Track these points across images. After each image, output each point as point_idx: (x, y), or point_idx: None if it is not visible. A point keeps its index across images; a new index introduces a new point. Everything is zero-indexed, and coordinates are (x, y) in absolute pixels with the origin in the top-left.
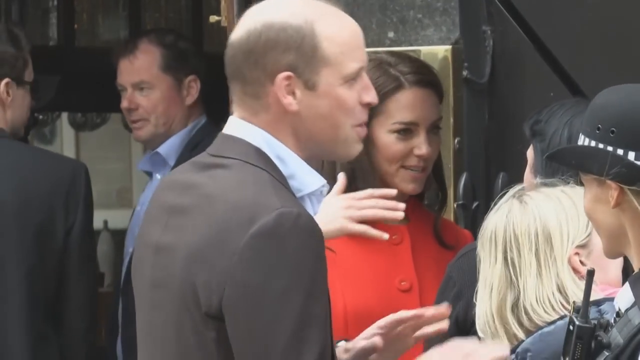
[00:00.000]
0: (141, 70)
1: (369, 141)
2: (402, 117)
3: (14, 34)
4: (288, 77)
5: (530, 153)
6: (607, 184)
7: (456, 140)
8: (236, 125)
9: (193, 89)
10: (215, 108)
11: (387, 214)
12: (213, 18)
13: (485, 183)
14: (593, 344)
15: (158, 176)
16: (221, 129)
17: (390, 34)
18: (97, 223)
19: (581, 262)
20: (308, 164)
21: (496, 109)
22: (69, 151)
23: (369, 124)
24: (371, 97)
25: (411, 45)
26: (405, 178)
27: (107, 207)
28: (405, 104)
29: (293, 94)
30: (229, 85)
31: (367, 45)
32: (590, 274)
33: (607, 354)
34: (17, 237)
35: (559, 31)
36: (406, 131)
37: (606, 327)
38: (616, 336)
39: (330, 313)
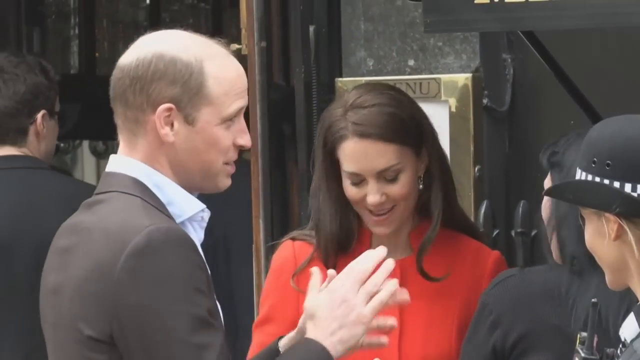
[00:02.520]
0: None
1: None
2: (347, 166)
3: (43, 65)
4: (169, 109)
5: (547, 183)
6: (606, 217)
7: (476, 169)
8: (116, 162)
9: None
10: None
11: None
12: (234, 46)
13: (505, 211)
14: None
15: None
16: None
17: (411, 62)
18: None
19: None
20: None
21: (516, 137)
22: (90, 179)
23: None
24: (245, 140)
25: (431, 73)
26: (369, 221)
27: None
28: (348, 154)
29: (171, 125)
30: (112, 106)
31: (388, 74)
32: (595, 305)
33: None
34: None
35: (579, 59)
36: (356, 181)
37: (612, 358)
38: None
39: (216, 313)
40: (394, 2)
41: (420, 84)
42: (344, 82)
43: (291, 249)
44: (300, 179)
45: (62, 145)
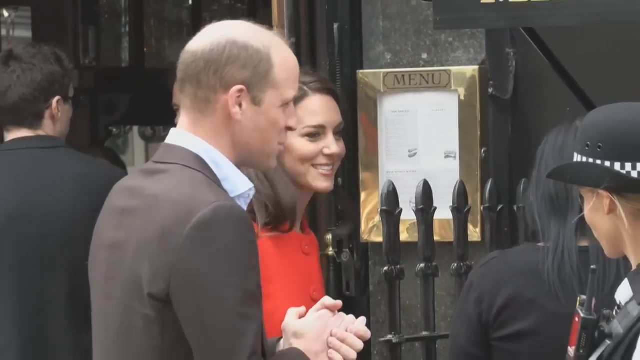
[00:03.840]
0: None
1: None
2: (310, 121)
3: (58, 55)
4: (240, 90)
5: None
6: (599, 193)
7: (483, 150)
8: (178, 136)
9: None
10: None
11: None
12: None
13: (509, 188)
14: (597, 334)
15: None
16: None
17: (424, 56)
18: None
19: None
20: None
21: (518, 123)
22: (140, 160)
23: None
24: (293, 122)
25: (442, 65)
26: (316, 177)
27: None
28: (312, 109)
29: (240, 105)
30: (180, 87)
31: (404, 66)
32: (594, 271)
33: (608, 342)
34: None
35: (575, 53)
36: (315, 134)
37: (608, 318)
38: (617, 327)
39: (261, 291)
40: (409, 2)
41: (433, 75)
42: (364, 73)
43: None
44: None
45: (114, 130)
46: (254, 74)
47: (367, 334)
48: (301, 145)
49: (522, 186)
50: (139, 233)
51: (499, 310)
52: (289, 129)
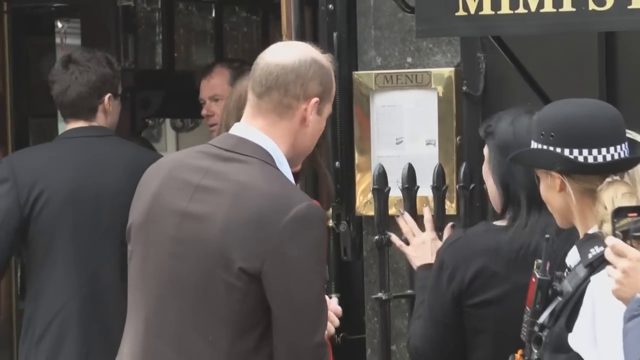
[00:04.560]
0: (215, 87)
1: None
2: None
3: (109, 59)
4: (317, 102)
5: (485, 150)
6: (552, 174)
7: (458, 138)
8: (251, 132)
9: None
10: None
11: None
12: None
13: (479, 170)
14: (550, 292)
15: None
16: None
17: (409, 59)
18: None
19: None
20: None
21: (487, 115)
22: (171, 147)
23: None
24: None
25: (424, 67)
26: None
27: None
28: (204, 87)
29: (312, 114)
30: (262, 93)
31: (392, 68)
32: (547, 239)
33: (559, 299)
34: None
35: (534, 57)
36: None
37: (560, 279)
38: (567, 286)
39: None
40: (396, 15)
41: (416, 75)
42: (359, 74)
43: None
44: (325, 149)
45: (150, 122)
46: (324, 90)
47: (340, 311)
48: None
49: (462, 169)
50: (228, 212)
51: (469, 284)
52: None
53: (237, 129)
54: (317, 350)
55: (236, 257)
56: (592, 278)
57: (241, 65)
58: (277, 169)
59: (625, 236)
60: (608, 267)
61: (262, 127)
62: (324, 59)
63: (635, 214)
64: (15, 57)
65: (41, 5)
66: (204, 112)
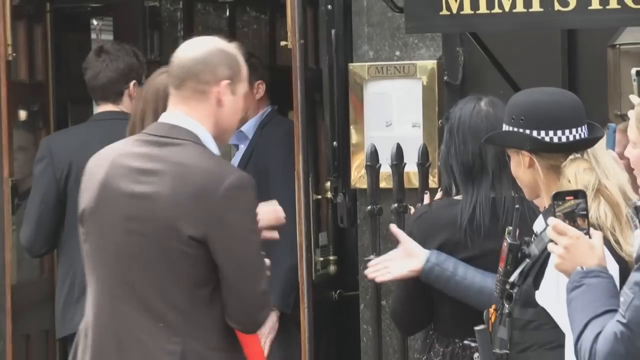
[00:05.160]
0: None
1: None
2: None
3: (135, 51)
4: (228, 84)
5: (445, 133)
6: (522, 153)
7: (439, 122)
8: (178, 118)
9: (260, 89)
10: (277, 101)
11: None
12: (283, 43)
13: None
14: (519, 255)
15: (241, 146)
16: (283, 115)
17: (397, 53)
18: None
19: None
20: None
21: None
22: None
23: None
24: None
25: (410, 60)
26: None
27: None
28: None
29: (226, 95)
30: (179, 84)
31: (382, 60)
32: (517, 209)
33: (528, 260)
34: None
35: (506, 50)
36: None
37: (528, 243)
38: (534, 249)
39: None
40: (387, 14)
41: (404, 67)
42: (354, 66)
43: None
44: (325, 130)
45: None
46: (234, 72)
47: (281, 213)
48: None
49: (420, 149)
50: (172, 190)
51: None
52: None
53: (166, 117)
54: (263, 297)
55: (184, 227)
56: None
57: (249, 57)
58: (206, 147)
59: (567, 217)
60: (550, 244)
61: (186, 113)
62: (230, 47)
63: (571, 197)
64: (56, 50)
65: (79, 5)
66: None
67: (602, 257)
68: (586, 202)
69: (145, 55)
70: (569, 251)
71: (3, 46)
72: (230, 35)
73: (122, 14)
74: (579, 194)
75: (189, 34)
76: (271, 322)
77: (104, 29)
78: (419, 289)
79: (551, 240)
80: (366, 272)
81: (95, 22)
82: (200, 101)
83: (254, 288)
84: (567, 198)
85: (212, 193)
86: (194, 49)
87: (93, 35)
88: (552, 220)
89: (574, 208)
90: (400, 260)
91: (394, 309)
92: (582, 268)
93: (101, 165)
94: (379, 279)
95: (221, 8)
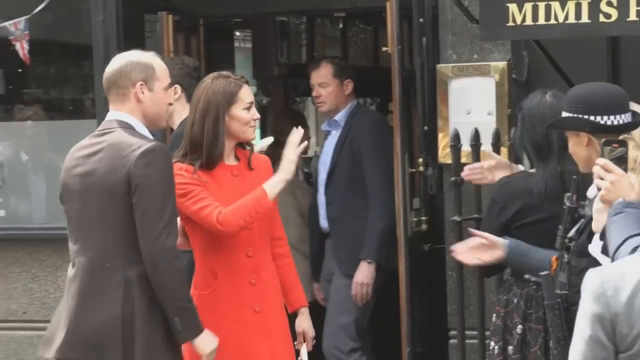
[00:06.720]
0: (322, 76)
1: (231, 117)
2: (248, 99)
3: (183, 61)
4: (141, 85)
5: (519, 121)
6: (582, 135)
7: (509, 110)
8: (114, 114)
9: (349, 86)
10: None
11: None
12: (384, 48)
13: None
14: (576, 215)
15: (335, 132)
16: (383, 106)
17: (475, 56)
18: None
19: None
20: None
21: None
22: (312, 117)
23: (231, 107)
24: (171, 99)
25: (486, 61)
26: (250, 132)
27: None
28: (247, 93)
29: (143, 93)
30: (107, 92)
31: (463, 62)
32: (574, 180)
33: (583, 220)
34: None
35: (561, 53)
36: (249, 107)
37: (583, 207)
38: (588, 211)
39: (174, 194)
40: (466, 25)
41: (480, 67)
42: (441, 66)
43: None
44: (418, 118)
45: (297, 99)
46: (147, 75)
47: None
48: (244, 116)
49: (494, 132)
50: (105, 163)
51: (515, 214)
52: (170, 104)
53: (108, 116)
54: (165, 254)
55: (118, 186)
56: None
57: (340, 61)
58: (136, 131)
59: (612, 159)
60: (596, 180)
61: (119, 109)
62: (143, 56)
63: (617, 145)
64: (206, 56)
65: (225, 19)
66: (314, 93)
67: None
68: (627, 151)
69: (275, 58)
70: (614, 185)
71: (167, 52)
72: (343, 43)
73: (259, 27)
74: (623, 143)
75: (311, 42)
76: (370, 272)
77: (244, 39)
78: (498, 229)
79: (600, 178)
80: (453, 254)
81: (237, 33)
82: (124, 101)
83: (155, 241)
84: (614, 145)
85: (130, 158)
86: (113, 63)
87: (236, 44)
88: (600, 160)
89: (619, 154)
90: (484, 248)
91: None
92: (623, 199)
93: (68, 156)
94: (468, 263)
95: (336, 21)
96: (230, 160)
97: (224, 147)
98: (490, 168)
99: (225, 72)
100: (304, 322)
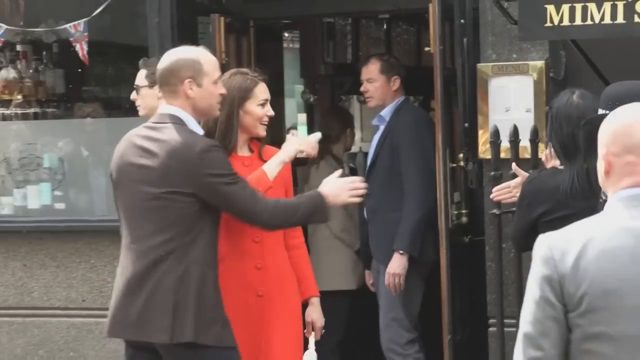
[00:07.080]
0: (371, 72)
1: (245, 111)
2: (263, 96)
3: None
4: (190, 82)
5: (549, 120)
6: None
7: (547, 108)
8: (166, 108)
9: (396, 82)
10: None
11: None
12: (427, 48)
13: None
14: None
15: (381, 127)
16: (426, 103)
17: (514, 55)
18: None
19: None
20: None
21: None
22: (357, 114)
23: (245, 102)
24: (222, 90)
25: (524, 61)
26: (261, 129)
27: None
28: (262, 90)
29: (191, 89)
30: (160, 88)
31: (503, 61)
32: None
33: None
34: None
35: (597, 52)
36: (264, 104)
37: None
38: None
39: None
40: (506, 26)
41: (519, 66)
42: (481, 65)
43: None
44: (459, 115)
45: (343, 97)
46: (194, 71)
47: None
48: (258, 111)
49: (532, 129)
50: (161, 160)
51: (544, 209)
52: (221, 94)
53: (160, 109)
54: (270, 220)
55: (173, 184)
56: None
57: (388, 58)
58: (187, 127)
59: None
60: None
61: (171, 104)
62: (191, 52)
63: None
64: (257, 56)
65: (274, 21)
66: (362, 89)
67: None
68: None
69: (322, 58)
70: None
71: (219, 52)
72: (387, 43)
73: (306, 28)
74: None
75: (356, 42)
76: (402, 262)
77: (292, 40)
78: (529, 223)
79: None
80: (492, 196)
81: (286, 34)
82: (175, 97)
83: (246, 213)
84: None
85: (189, 156)
86: (163, 61)
87: (284, 45)
88: None
89: None
90: (520, 187)
91: (513, 234)
92: None
93: (123, 143)
94: (504, 201)
95: (380, 23)
96: (243, 152)
97: (237, 139)
98: (517, 186)
99: (244, 69)
100: (313, 312)
